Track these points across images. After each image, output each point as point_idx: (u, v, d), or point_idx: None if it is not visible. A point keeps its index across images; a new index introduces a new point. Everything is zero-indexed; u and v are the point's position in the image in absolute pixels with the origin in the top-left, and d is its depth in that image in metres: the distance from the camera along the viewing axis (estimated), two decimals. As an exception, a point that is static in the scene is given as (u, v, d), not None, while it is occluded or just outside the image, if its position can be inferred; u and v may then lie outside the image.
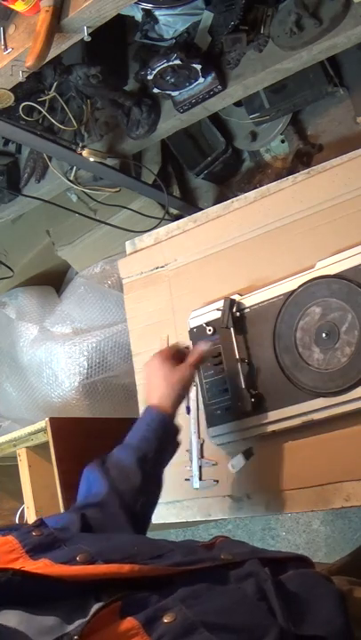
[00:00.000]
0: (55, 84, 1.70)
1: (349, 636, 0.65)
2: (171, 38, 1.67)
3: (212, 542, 0.77)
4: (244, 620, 0.60)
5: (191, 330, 1.18)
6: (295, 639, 0.60)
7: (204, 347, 1.05)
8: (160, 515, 1.21)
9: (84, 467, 1.00)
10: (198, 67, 1.56)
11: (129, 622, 0.54)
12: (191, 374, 1.00)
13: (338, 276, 1.03)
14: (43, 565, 0.58)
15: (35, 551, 0.61)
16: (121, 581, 0.59)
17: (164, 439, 0.95)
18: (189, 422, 1.19)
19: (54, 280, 2.45)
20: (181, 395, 0.98)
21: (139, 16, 1.66)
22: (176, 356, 1.02)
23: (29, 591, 0.56)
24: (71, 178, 1.90)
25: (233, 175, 2.24)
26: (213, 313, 1.16)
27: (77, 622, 0.55)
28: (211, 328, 1.15)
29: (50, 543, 0.63)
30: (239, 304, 1.12)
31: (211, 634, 0.54)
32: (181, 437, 1.00)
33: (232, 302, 1.11)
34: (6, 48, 1.27)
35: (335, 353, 1.01)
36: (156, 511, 1.21)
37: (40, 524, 0.68)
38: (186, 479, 1.18)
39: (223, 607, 0.60)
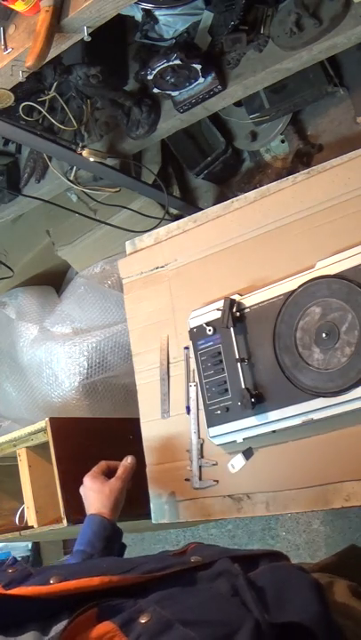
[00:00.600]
0: (55, 84, 1.70)
1: (328, 622, 0.65)
2: (171, 38, 1.67)
3: (184, 550, 0.78)
4: (218, 614, 0.61)
5: (191, 330, 1.18)
6: (272, 628, 0.60)
7: (131, 461, 1.15)
8: (160, 515, 1.21)
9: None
10: (198, 67, 1.57)
11: (106, 626, 0.56)
12: (122, 486, 1.11)
13: (338, 276, 1.03)
14: (17, 590, 0.61)
15: (11, 584, 0.63)
16: (94, 594, 0.61)
17: (108, 541, 1.04)
18: (189, 422, 1.19)
19: (54, 280, 2.45)
20: (117, 504, 1.09)
21: (139, 16, 1.66)
22: (106, 471, 1.14)
23: (6, 616, 0.59)
24: (71, 178, 1.90)
25: (233, 175, 2.24)
26: (213, 313, 1.16)
27: (55, 628, 0.57)
28: (211, 328, 1.15)
29: (25, 576, 0.66)
30: (239, 304, 1.12)
31: (188, 630, 0.55)
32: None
33: (232, 302, 1.11)
34: (6, 48, 1.27)
35: (335, 353, 1.01)
36: (156, 511, 1.22)
37: (14, 562, 0.72)
38: (186, 479, 1.18)
39: (197, 604, 0.62)
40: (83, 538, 1.04)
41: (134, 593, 0.63)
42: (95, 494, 1.10)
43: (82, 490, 1.14)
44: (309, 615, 0.63)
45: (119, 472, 1.13)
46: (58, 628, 0.58)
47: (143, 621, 0.56)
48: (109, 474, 1.13)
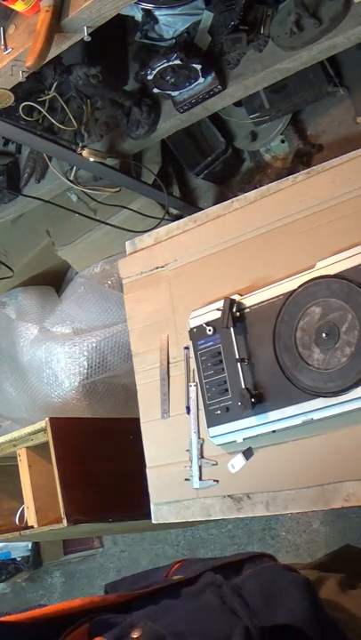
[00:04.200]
0: (55, 84, 1.70)
1: (319, 619, 0.65)
2: (171, 38, 1.67)
3: (167, 572, 0.78)
4: (208, 624, 0.61)
5: (191, 330, 1.18)
6: (262, 632, 0.60)
7: None
8: (160, 515, 1.21)
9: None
10: (198, 67, 1.57)
11: None
12: None
13: (338, 276, 1.03)
14: (1, 618, 0.60)
15: None
16: (78, 616, 0.61)
17: None
18: (189, 422, 1.19)
19: (54, 280, 2.45)
20: None
21: (139, 16, 1.66)
22: None
23: None
24: (71, 178, 1.90)
25: (233, 175, 2.24)
26: (213, 313, 1.16)
27: None
28: (211, 328, 1.15)
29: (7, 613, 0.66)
30: (239, 304, 1.12)
31: None
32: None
33: (232, 302, 1.11)
34: (6, 48, 1.27)
35: (335, 353, 1.01)
36: (156, 511, 1.22)
37: None
38: (186, 479, 1.18)
39: (187, 616, 0.62)
40: None
41: (120, 611, 0.64)
42: None
43: None
44: (299, 615, 0.63)
45: None
46: None
47: (135, 636, 0.56)
48: None
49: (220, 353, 1.13)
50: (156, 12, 1.60)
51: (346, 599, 0.82)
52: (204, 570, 0.72)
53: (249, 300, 1.12)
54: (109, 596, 0.66)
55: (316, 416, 1.03)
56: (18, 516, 1.81)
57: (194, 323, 1.18)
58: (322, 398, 1.02)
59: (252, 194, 1.22)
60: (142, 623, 0.58)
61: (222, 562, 0.75)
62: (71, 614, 0.61)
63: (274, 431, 1.07)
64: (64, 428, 1.56)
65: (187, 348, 1.22)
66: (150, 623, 0.58)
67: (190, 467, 1.17)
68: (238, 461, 1.12)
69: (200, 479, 1.16)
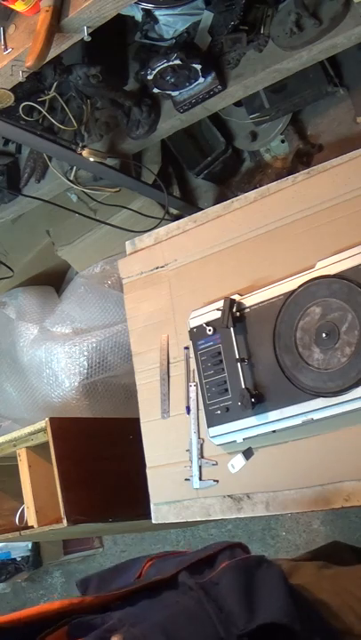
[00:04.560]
0: (55, 84, 1.70)
1: (298, 608, 0.65)
2: (171, 38, 1.67)
3: (140, 572, 0.78)
4: (189, 631, 0.61)
5: (191, 330, 1.18)
6: (246, 636, 0.60)
7: None
8: (160, 515, 1.21)
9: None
10: (198, 67, 1.56)
11: None
12: None
13: (338, 276, 1.03)
14: None
15: None
16: (58, 618, 0.61)
17: None
18: (189, 422, 1.19)
19: (54, 280, 2.45)
20: None
21: (139, 16, 1.66)
22: None
23: None
24: (71, 178, 1.90)
25: (233, 175, 2.24)
26: (213, 313, 1.15)
27: None
28: (211, 328, 1.15)
29: None
30: (239, 304, 1.12)
31: None
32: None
33: (232, 302, 1.11)
34: (6, 48, 1.27)
35: (335, 353, 1.01)
36: (156, 511, 1.22)
37: None
38: (186, 479, 1.18)
39: (166, 622, 0.61)
40: None
41: (98, 612, 0.64)
42: None
43: None
44: (280, 611, 0.63)
45: None
46: None
47: None
48: None
49: (220, 353, 1.13)
50: (156, 12, 1.60)
51: (323, 582, 0.83)
52: (180, 568, 0.72)
53: (249, 300, 1.12)
54: (87, 598, 0.65)
55: (316, 416, 1.03)
56: (18, 516, 1.81)
57: (194, 323, 1.18)
58: (322, 398, 1.02)
59: (252, 194, 1.22)
60: (124, 629, 0.58)
61: (196, 558, 0.75)
62: (51, 616, 0.61)
63: (274, 431, 1.07)
64: (64, 427, 1.56)
65: (187, 347, 1.22)
66: (131, 629, 0.58)
67: (190, 467, 1.17)
68: (238, 461, 1.12)
69: (200, 479, 1.16)
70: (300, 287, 1.06)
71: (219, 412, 1.12)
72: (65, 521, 1.45)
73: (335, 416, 1.02)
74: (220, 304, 1.13)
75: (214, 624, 0.62)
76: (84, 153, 1.70)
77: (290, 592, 0.67)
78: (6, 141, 2.08)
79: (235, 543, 0.79)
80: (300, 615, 0.64)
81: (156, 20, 1.64)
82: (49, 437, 1.52)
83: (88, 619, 0.61)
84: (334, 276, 1.04)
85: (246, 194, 1.23)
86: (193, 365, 1.20)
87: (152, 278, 1.31)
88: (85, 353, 2.02)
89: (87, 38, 1.24)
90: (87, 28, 1.23)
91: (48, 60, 1.24)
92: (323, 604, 0.75)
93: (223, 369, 1.12)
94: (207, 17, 1.62)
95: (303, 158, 2.06)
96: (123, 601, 0.67)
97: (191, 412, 1.19)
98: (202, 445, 1.17)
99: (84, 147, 1.71)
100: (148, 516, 1.23)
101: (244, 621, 0.62)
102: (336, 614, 0.75)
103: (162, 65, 1.55)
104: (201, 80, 1.61)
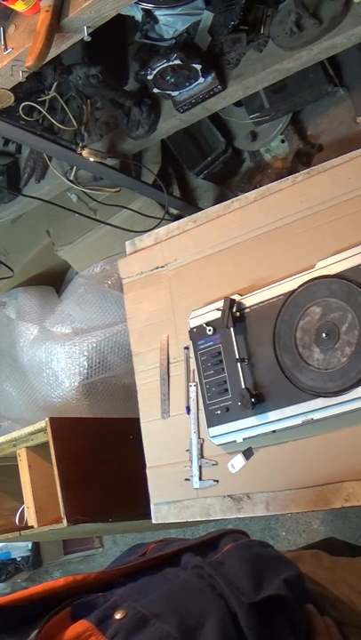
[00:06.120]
0: (55, 84, 1.70)
1: (302, 585, 0.66)
2: (171, 38, 1.67)
3: (145, 551, 0.78)
4: (192, 602, 0.60)
5: (191, 330, 1.18)
6: (251, 609, 0.60)
7: None
8: (160, 515, 1.21)
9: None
10: (198, 67, 1.57)
11: (82, 625, 0.55)
12: None
13: (338, 276, 1.03)
14: None
15: None
16: (63, 596, 0.61)
17: None
18: (189, 422, 1.19)
19: (54, 280, 2.45)
20: None
21: (139, 16, 1.66)
22: None
23: None
24: (71, 178, 1.90)
25: (233, 175, 2.24)
26: (213, 313, 1.15)
27: (32, 635, 0.55)
28: (211, 328, 1.15)
29: None
30: (239, 304, 1.12)
31: (163, 624, 0.55)
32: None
33: (232, 302, 1.11)
34: (6, 48, 1.27)
35: (335, 353, 1.01)
36: (156, 511, 1.22)
37: None
38: (186, 479, 1.18)
39: (169, 595, 0.61)
40: None
41: (102, 591, 0.63)
42: None
43: None
44: (288, 582, 0.64)
45: None
46: (34, 633, 0.56)
47: (118, 617, 0.56)
48: None
49: (220, 353, 1.13)
50: (156, 12, 1.60)
51: (321, 572, 0.84)
52: (182, 547, 0.72)
53: (249, 300, 1.12)
54: (91, 574, 0.65)
55: (316, 416, 1.03)
56: (18, 516, 1.81)
57: (194, 323, 1.18)
58: (322, 398, 1.01)
59: (252, 194, 1.22)
60: (126, 604, 0.58)
61: (199, 540, 0.75)
62: (55, 594, 0.61)
63: (274, 431, 1.07)
64: (64, 427, 1.56)
65: (187, 348, 1.22)
66: (133, 603, 0.58)
67: (190, 467, 1.17)
68: (238, 461, 1.12)
69: (200, 479, 1.16)
70: (300, 287, 1.06)
71: (219, 412, 1.12)
72: (65, 521, 1.45)
73: (335, 416, 1.02)
74: (220, 304, 1.13)
75: (219, 594, 0.62)
76: (84, 153, 1.70)
77: (292, 566, 0.68)
78: (6, 141, 2.08)
79: (236, 529, 0.80)
80: (302, 589, 0.65)
81: (156, 20, 1.64)
82: (49, 437, 1.52)
83: (90, 598, 0.60)
84: (334, 276, 1.04)
85: (246, 194, 1.23)
86: (193, 365, 1.20)
87: (152, 278, 1.31)
88: (85, 353, 2.02)
89: (87, 38, 1.24)
90: (87, 28, 1.23)
91: (48, 59, 1.24)
92: (321, 594, 0.75)
93: (223, 369, 1.12)
94: (207, 17, 1.62)
95: (303, 158, 2.06)
96: (125, 578, 0.67)
97: (191, 412, 1.19)
98: (202, 445, 1.17)
99: (84, 147, 1.71)
100: (148, 516, 1.23)
101: (254, 593, 0.62)
102: (333, 604, 0.76)
103: (162, 65, 1.55)
104: (201, 80, 1.61)
